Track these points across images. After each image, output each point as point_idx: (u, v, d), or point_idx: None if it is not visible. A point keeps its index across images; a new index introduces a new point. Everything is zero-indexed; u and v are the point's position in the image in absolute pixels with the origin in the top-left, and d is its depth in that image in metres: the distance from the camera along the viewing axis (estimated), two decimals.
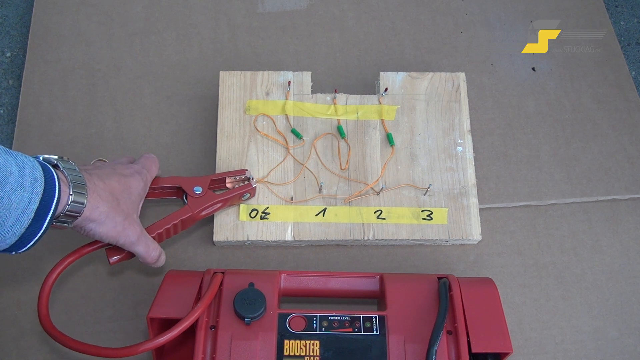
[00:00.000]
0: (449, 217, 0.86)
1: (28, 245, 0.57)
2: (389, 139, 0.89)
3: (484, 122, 0.98)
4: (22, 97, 0.97)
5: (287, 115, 0.90)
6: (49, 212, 0.56)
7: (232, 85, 0.92)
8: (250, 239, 0.84)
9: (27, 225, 0.55)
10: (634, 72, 1.16)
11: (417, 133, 0.90)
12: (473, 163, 0.89)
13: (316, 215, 0.85)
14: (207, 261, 0.86)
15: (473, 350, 0.67)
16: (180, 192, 0.80)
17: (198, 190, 0.79)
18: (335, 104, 0.92)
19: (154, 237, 0.74)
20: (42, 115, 0.96)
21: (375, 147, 0.90)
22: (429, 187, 0.86)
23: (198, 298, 0.70)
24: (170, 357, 0.75)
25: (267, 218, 0.85)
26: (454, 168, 0.89)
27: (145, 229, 0.74)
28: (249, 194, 0.83)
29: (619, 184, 0.95)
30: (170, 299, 0.70)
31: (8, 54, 1.11)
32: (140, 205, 0.73)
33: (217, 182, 0.82)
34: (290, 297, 0.77)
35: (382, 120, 0.91)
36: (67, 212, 0.60)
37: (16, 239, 0.55)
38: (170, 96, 0.98)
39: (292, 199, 0.86)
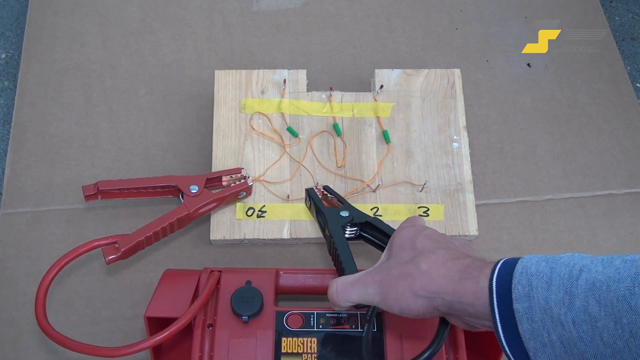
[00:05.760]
0: (446, 214, 0.86)
1: None
2: (385, 136, 0.89)
3: (479, 119, 0.99)
4: (18, 98, 0.97)
5: (282, 113, 0.90)
6: None
7: (227, 84, 0.92)
8: (247, 238, 0.84)
9: None
10: (629, 67, 1.16)
11: (413, 130, 0.91)
12: (469, 159, 0.89)
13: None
14: (204, 260, 0.86)
15: None
16: (176, 191, 0.80)
17: (194, 189, 0.79)
18: (330, 101, 0.92)
19: (149, 236, 0.74)
20: (37, 116, 0.96)
21: (371, 144, 0.90)
22: (425, 184, 0.86)
23: (195, 297, 0.70)
24: (168, 356, 0.75)
25: (263, 216, 0.85)
26: (450, 164, 0.89)
27: (141, 228, 0.74)
28: (245, 193, 0.83)
29: (615, 178, 0.95)
30: (168, 298, 0.70)
31: (3, 56, 1.11)
32: None
33: (213, 181, 0.83)
34: (287, 294, 0.77)
35: (378, 118, 0.91)
36: None
37: None
38: (165, 96, 0.98)
39: (288, 197, 0.86)
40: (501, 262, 0.51)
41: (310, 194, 0.76)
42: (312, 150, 0.89)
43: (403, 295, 0.54)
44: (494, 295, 0.49)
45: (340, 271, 0.66)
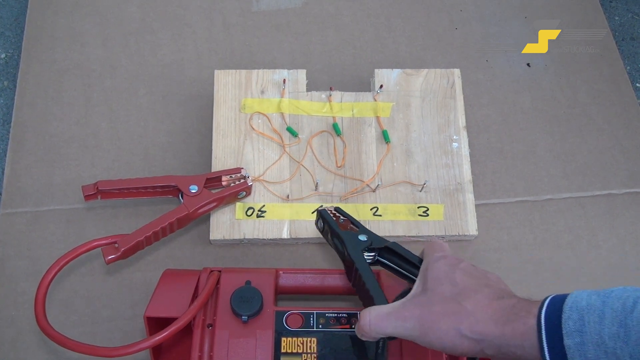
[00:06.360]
0: (445, 214, 0.86)
1: None
2: (385, 136, 0.89)
3: (479, 118, 0.99)
4: (17, 98, 0.97)
5: (282, 113, 0.90)
6: None
7: (227, 84, 0.92)
8: (246, 237, 0.84)
9: None
10: (628, 67, 1.16)
11: (413, 130, 0.91)
12: (469, 159, 0.89)
13: (312, 212, 0.85)
14: (203, 260, 0.86)
15: None
16: (176, 191, 0.80)
17: (194, 189, 0.79)
18: (330, 101, 0.92)
19: (149, 236, 0.74)
20: (37, 116, 0.96)
21: (370, 144, 0.90)
22: (425, 184, 0.86)
23: (195, 297, 0.70)
24: (168, 356, 0.75)
25: (263, 216, 0.85)
26: (449, 164, 0.89)
27: (141, 227, 0.74)
28: (245, 192, 0.83)
29: (615, 178, 0.95)
30: (167, 298, 0.70)
31: (3, 55, 1.11)
32: None
33: (213, 181, 0.83)
34: (287, 294, 0.77)
35: (378, 118, 0.91)
36: None
37: None
38: (165, 95, 0.98)
39: (288, 197, 0.86)
40: (549, 298, 0.50)
41: (323, 215, 0.71)
42: (312, 150, 0.89)
43: (447, 334, 0.52)
44: (543, 333, 0.48)
45: (368, 299, 0.62)
